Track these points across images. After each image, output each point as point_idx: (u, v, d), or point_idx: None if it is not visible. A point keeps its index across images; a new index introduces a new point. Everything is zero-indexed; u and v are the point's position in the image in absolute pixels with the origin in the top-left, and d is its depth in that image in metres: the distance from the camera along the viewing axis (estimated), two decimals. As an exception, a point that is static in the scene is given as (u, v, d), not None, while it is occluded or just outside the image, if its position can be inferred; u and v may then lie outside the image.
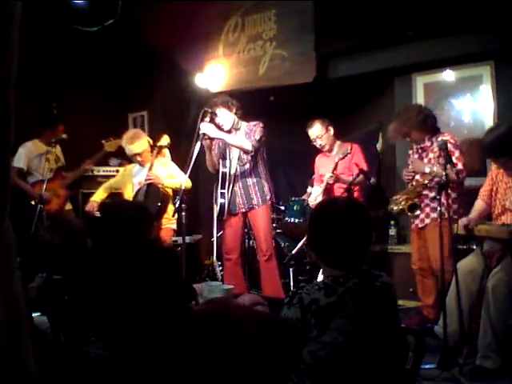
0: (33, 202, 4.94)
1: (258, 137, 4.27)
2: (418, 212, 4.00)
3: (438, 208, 3.45)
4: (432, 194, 3.95)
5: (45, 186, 4.91)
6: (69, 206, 5.35)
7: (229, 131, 4.32)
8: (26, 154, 5.11)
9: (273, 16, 5.49)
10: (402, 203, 3.96)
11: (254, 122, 4.38)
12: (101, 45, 5.93)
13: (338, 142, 4.80)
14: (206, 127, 4.14)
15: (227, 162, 4.43)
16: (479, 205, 3.58)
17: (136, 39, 6.00)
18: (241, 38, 5.75)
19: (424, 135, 4.07)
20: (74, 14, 5.73)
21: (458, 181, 3.75)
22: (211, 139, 4.30)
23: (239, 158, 4.36)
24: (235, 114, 4.37)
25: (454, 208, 3.77)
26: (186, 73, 5.96)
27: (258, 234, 4.35)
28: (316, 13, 5.13)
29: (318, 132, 4.72)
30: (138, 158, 4.71)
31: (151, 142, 4.79)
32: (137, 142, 4.68)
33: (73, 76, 5.89)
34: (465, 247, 3.97)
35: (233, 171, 4.38)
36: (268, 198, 4.37)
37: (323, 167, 4.78)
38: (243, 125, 4.39)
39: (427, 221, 4.04)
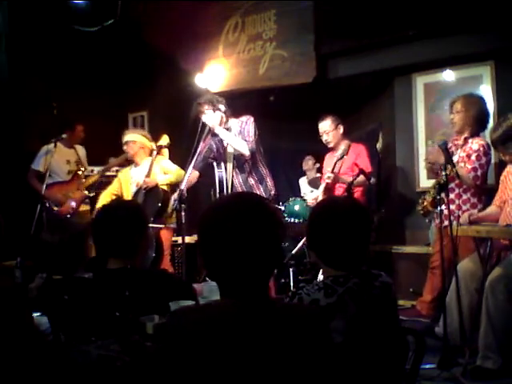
0: (47, 204, 4.97)
1: (252, 136, 4.09)
2: (439, 209, 3.61)
3: (439, 210, 3.43)
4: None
5: (58, 188, 4.98)
6: (85, 207, 5.29)
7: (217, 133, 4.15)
8: (46, 157, 5.14)
9: (273, 16, 5.48)
10: (427, 200, 3.81)
11: (245, 118, 4.20)
12: (101, 45, 5.92)
13: (345, 142, 4.74)
14: (208, 119, 4.03)
15: (222, 164, 4.33)
16: (491, 208, 3.58)
17: (136, 39, 6.00)
18: (241, 38, 5.74)
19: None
20: (74, 14, 5.74)
21: (471, 186, 3.75)
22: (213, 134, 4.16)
23: (235, 158, 4.22)
24: (224, 112, 4.15)
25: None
26: (186, 73, 5.96)
27: None
28: (316, 13, 5.13)
29: (326, 127, 4.67)
30: (126, 147, 4.78)
31: (152, 145, 4.76)
32: (132, 133, 4.85)
33: (73, 76, 5.89)
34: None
35: (229, 174, 4.25)
36: (272, 193, 4.32)
37: (328, 166, 4.76)
38: (233, 122, 4.21)
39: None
